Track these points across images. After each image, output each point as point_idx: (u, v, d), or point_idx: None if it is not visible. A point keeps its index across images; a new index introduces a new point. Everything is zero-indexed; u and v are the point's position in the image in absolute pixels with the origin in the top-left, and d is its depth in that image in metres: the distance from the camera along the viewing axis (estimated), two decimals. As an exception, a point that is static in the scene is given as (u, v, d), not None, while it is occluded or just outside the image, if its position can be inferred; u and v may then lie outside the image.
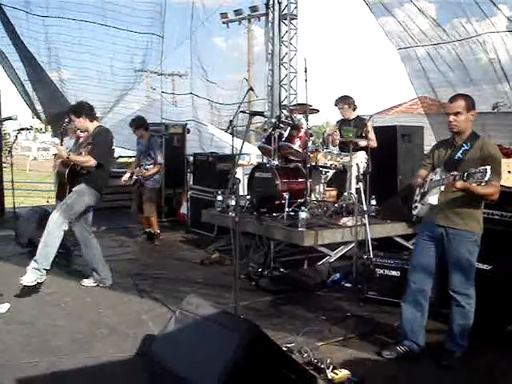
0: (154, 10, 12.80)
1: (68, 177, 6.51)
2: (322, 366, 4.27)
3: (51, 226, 6.34)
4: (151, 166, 9.19)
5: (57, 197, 6.95)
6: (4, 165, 12.29)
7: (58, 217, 6.34)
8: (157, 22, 12.96)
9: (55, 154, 6.68)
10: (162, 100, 14.51)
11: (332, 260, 7.41)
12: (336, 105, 8.56)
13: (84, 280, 6.82)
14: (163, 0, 12.82)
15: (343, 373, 4.23)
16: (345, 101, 8.45)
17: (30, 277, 6.25)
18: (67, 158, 6.41)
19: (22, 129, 8.69)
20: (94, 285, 6.77)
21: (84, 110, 6.60)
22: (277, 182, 7.74)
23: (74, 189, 6.47)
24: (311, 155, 8.07)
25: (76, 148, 6.60)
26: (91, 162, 6.34)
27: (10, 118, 7.03)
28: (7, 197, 11.38)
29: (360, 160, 8.00)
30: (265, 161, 9.28)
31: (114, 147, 6.99)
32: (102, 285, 6.76)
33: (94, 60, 12.52)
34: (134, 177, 9.21)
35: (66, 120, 6.69)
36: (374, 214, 8.05)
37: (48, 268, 6.39)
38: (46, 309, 5.95)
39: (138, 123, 9.58)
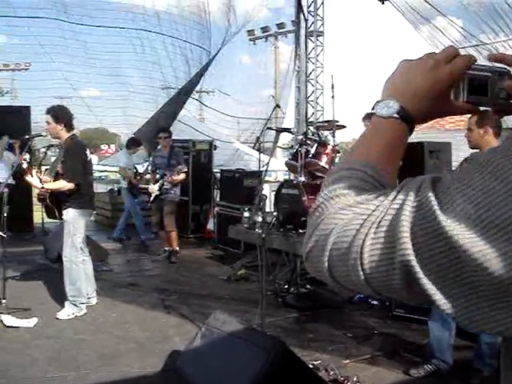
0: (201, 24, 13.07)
1: (52, 201, 6.21)
2: (349, 384, 4.24)
3: (67, 264, 6.24)
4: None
5: (48, 216, 6.78)
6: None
7: (70, 253, 6.24)
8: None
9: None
10: (189, 116, 14.62)
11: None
12: (363, 121, 8.52)
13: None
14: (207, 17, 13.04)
15: (370, 391, 4.20)
16: (371, 118, 8.40)
17: (66, 311, 6.20)
18: (43, 188, 6.11)
19: (51, 145, 8.79)
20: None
21: (66, 116, 6.32)
22: (303, 199, 7.71)
23: (64, 217, 6.22)
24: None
25: (51, 168, 6.35)
26: (68, 186, 6.07)
27: (39, 135, 7.10)
28: (36, 212, 11.52)
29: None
30: (291, 177, 9.26)
31: (89, 158, 6.65)
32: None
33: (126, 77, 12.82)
34: (156, 192, 9.14)
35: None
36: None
37: (85, 302, 6.37)
38: (72, 323, 5.99)
39: (170, 132, 9.65)
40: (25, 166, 6.23)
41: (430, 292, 0.75)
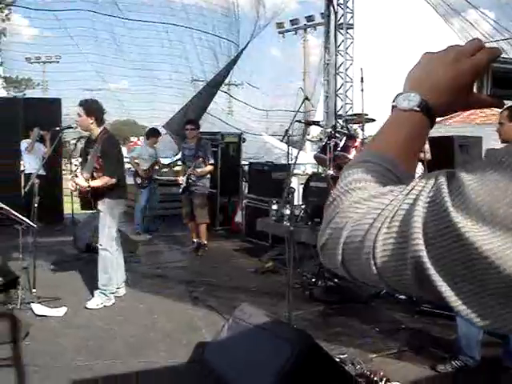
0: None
1: (92, 195, 6.32)
2: (375, 379, 4.22)
3: (102, 253, 6.38)
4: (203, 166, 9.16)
5: (82, 208, 6.89)
6: (64, 172, 12.63)
7: (106, 242, 6.37)
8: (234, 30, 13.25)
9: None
10: (218, 109, 14.64)
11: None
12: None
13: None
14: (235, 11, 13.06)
15: (396, 385, 4.18)
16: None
17: (95, 301, 6.29)
18: (89, 187, 6.23)
19: (81, 137, 8.90)
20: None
21: (97, 109, 6.44)
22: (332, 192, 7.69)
23: (100, 207, 6.37)
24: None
25: (89, 164, 6.40)
26: (111, 181, 6.24)
27: (70, 127, 7.18)
28: (67, 203, 11.64)
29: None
30: (320, 170, 9.24)
31: (121, 152, 6.89)
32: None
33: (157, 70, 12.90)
34: (183, 184, 9.18)
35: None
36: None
37: (114, 291, 6.48)
38: (101, 313, 6.06)
39: (197, 124, 9.67)
40: (78, 173, 6.40)
41: (440, 288, 0.74)
